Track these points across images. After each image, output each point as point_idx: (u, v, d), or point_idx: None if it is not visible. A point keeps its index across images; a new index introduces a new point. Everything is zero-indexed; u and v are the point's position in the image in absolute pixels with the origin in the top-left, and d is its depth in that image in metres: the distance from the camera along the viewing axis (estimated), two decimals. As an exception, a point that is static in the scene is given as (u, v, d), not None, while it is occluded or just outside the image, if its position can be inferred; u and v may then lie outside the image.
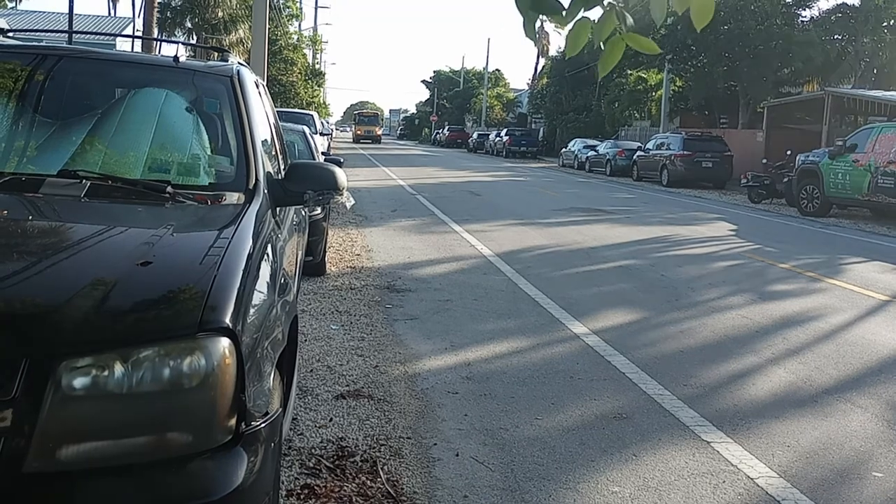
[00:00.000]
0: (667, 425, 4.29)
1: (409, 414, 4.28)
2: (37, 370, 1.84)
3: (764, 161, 21.88)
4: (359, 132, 66.95)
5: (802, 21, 29.70)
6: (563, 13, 2.10)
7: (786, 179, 18.89)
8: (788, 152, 19.70)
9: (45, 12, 38.44)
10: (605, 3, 2.08)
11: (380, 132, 69.72)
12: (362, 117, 71.35)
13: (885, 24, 27.74)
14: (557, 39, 73.32)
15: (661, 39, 30.23)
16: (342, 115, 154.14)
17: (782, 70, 29.81)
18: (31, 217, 2.68)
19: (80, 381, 1.86)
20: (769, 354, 5.79)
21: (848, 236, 14.02)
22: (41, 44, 4.04)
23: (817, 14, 29.67)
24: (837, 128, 23.86)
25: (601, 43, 2.12)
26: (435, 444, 3.89)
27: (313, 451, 3.70)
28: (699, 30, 2.16)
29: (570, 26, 2.12)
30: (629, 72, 35.74)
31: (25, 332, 1.90)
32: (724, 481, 3.63)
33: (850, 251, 11.76)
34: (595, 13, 2.10)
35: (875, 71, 29.30)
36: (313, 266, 7.39)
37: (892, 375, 5.42)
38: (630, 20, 2.09)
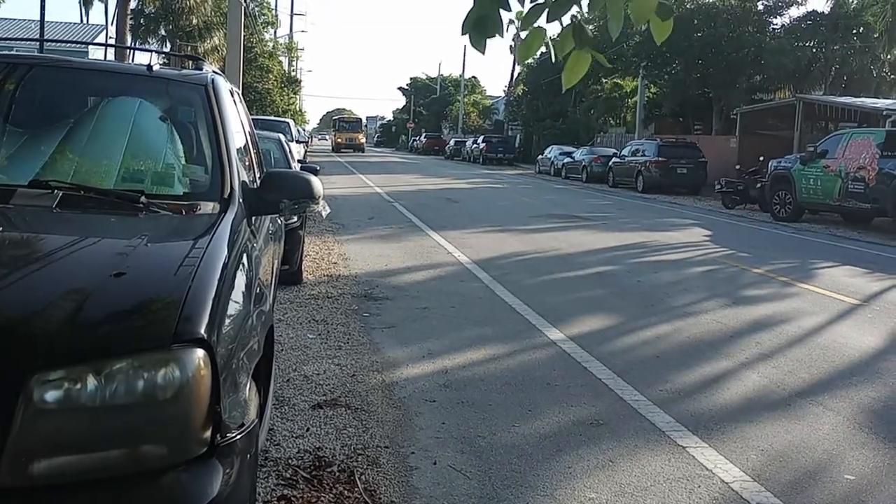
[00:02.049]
0: (642, 430, 4.32)
1: (387, 423, 4.28)
2: (8, 384, 1.82)
3: (737, 167, 22.14)
4: (339, 140, 62.25)
5: (774, 28, 30.14)
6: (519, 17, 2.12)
7: (759, 185, 19.12)
8: (761, 158, 19.96)
9: (15, 19, 37.97)
10: (568, 18, 2.10)
11: (363, 140, 64.75)
12: (343, 123, 66.17)
13: (854, 31, 28.20)
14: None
15: (636, 46, 30.57)
16: (319, 122, 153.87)
17: (754, 77, 30.22)
18: (1, 228, 2.65)
19: (52, 395, 1.84)
20: (743, 358, 5.86)
21: (819, 241, 14.21)
22: (12, 52, 4.00)
23: (788, 21, 30.13)
24: (809, 134, 24.21)
25: (561, 57, 2.13)
26: (412, 452, 3.89)
27: (290, 461, 3.68)
28: (659, 43, 2.19)
29: (523, 35, 2.14)
30: (604, 79, 36.01)
31: None
32: (699, 486, 3.66)
33: (821, 256, 11.92)
34: (554, 25, 2.12)
35: (845, 78, 29.75)
36: (290, 275, 7.36)
37: (863, 378, 5.50)
38: (587, 34, 2.11)
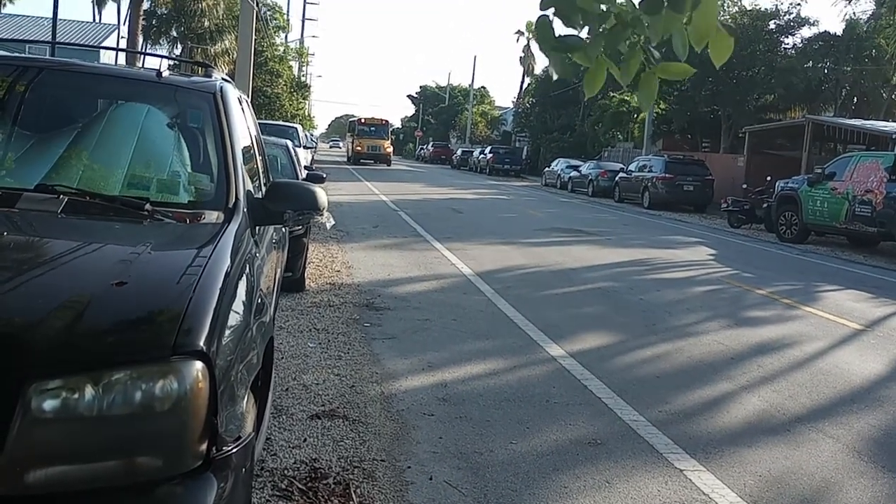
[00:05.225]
0: (640, 452, 4.30)
1: (384, 436, 4.27)
2: (5, 392, 1.82)
3: (744, 186, 22.12)
4: (359, 149, 47.00)
5: (785, 48, 30.14)
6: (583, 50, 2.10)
7: (765, 205, 19.10)
8: (768, 178, 19.93)
9: (29, 16, 38.21)
10: (628, 42, 2.08)
11: (389, 149, 48.64)
12: (363, 127, 48.86)
13: (866, 53, 28.22)
14: (543, 59, 73.87)
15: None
16: (327, 127, 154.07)
17: (764, 96, 30.21)
18: (5, 233, 2.65)
19: (49, 404, 1.84)
20: (744, 381, 5.83)
21: (825, 263, 14.17)
22: (23, 54, 4.02)
23: (800, 41, 30.14)
24: (817, 155, 24.19)
25: (630, 80, 2.13)
26: (409, 466, 3.88)
27: (286, 472, 3.67)
28: (718, 66, 2.18)
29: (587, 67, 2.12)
30: (612, 94, 36.03)
31: None
32: (695, 510, 3.64)
33: (826, 279, 11.89)
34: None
35: (855, 99, 29.77)
36: (292, 282, 7.36)
37: (864, 405, 5.47)
38: (657, 55, 2.09)
